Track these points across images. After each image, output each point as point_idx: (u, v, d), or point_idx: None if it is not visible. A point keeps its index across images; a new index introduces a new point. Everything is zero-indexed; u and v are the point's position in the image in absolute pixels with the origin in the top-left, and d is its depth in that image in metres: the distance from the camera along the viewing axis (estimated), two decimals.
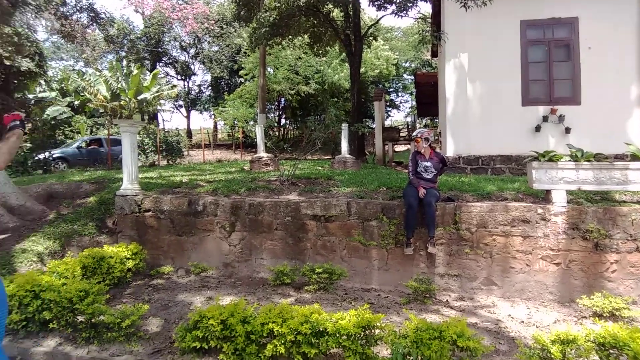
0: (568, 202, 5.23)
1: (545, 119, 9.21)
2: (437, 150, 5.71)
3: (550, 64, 9.30)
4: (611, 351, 3.16)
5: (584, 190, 5.30)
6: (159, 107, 24.47)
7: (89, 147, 16.91)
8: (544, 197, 5.57)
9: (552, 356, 3.16)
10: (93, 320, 3.94)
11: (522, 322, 4.55)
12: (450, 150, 9.64)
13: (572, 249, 5.09)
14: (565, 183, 5.18)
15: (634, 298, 4.83)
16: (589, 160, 5.14)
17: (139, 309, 4.03)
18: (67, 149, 16.40)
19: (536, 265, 5.17)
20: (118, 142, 15.36)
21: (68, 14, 12.58)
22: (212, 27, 27.98)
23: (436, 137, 10.80)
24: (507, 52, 9.36)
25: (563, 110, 9.12)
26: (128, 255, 5.63)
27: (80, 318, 4.04)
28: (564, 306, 4.99)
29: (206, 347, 3.63)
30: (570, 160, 5.19)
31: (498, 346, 3.89)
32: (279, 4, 13.32)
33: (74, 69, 28.25)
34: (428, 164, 5.62)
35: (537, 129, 9.24)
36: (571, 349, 3.18)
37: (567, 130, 9.08)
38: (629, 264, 4.96)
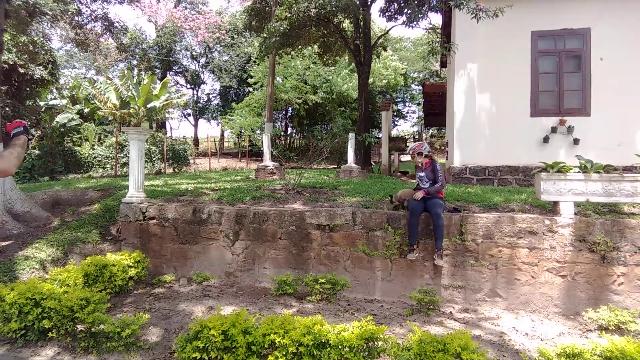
0: (575, 213, 5.15)
1: (553, 130, 9.12)
2: (435, 160, 5.67)
3: (561, 75, 9.23)
4: None
5: (592, 202, 5.22)
6: (167, 115, 24.66)
7: None
8: (552, 208, 5.49)
9: None
10: (93, 330, 3.93)
11: (527, 334, 4.47)
12: (457, 160, 9.58)
13: (579, 261, 5.00)
14: (573, 195, 5.11)
15: None
16: (598, 172, 5.07)
17: (139, 319, 4.01)
18: None
19: (541, 277, 5.09)
20: None
21: (83, 22, 12.79)
22: (223, 37, 28.26)
23: (443, 147, 10.75)
24: (517, 63, 9.31)
25: (572, 122, 9.03)
26: (130, 264, 5.63)
27: (80, 327, 4.03)
28: (569, 319, 4.90)
29: (206, 357, 3.59)
30: (579, 172, 5.13)
31: (502, 359, 3.81)
32: (290, 15, 13.38)
33: (85, 77, 28.64)
34: (422, 174, 5.62)
35: (545, 140, 9.15)
36: None
37: (576, 141, 8.98)
38: (636, 276, 4.86)
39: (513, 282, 5.17)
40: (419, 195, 5.34)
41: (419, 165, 5.70)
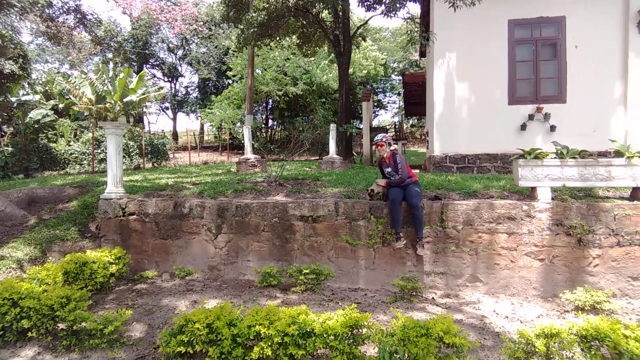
0: (552, 198, 5.28)
1: (530, 117, 9.29)
2: (396, 152, 5.74)
3: (537, 63, 9.39)
4: (593, 343, 3.19)
5: (568, 187, 5.34)
6: (144, 110, 24.21)
7: None
8: (529, 194, 5.61)
9: (537, 350, 3.18)
10: (75, 327, 3.87)
11: (507, 317, 4.58)
12: (437, 149, 9.69)
13: (556, 245, 5.14)
14: (550, 180, 5.22)
15: (614, 291, 4.91)
16: (574, 158, 5.19)
17: (122, 315, 3.96)
18: None
19: (520, 261, 5.21)
20: None
21: (54, 15, 12.40)
22: (201, 29, 27.80)
23: (423, 137, 10.86)
24: (495, 51, 9.43)
25: (548, 109, 9.21)
26: (111, 260, 5.54)
27: (61, 325, 3.96)
28: (547, 301, 5.04)
29: (191, 351, 3.58)
30: (555, 158, 5.24)
31: (483, 342, 3.91)
32: (267, 5, 13.22)
33: (58, 72, 27.85)
34: (389, 169, 5.68)
35: (523, 127, 9.32)
36: (555, 342, 3.20)
37: (552, 128, 9.17)
38: (610, 258, 5.02)
39: (493, 266, 5.28)
40: (382, 183, 5.61)
41: (384, 157, 5.77)
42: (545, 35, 9.37)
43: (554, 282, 5.14)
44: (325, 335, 3.45)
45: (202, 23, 27.71)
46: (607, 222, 5.04)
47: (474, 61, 9.52)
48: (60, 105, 21.00)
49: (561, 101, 9.27)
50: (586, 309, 4.54)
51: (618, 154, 5.25)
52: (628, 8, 8.92)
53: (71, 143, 17.56)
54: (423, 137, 26.73)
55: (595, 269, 5.06)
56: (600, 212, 5.07)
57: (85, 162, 16.59)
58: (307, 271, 5.20)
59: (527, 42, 9.44)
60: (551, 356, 3.18)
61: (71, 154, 16.54)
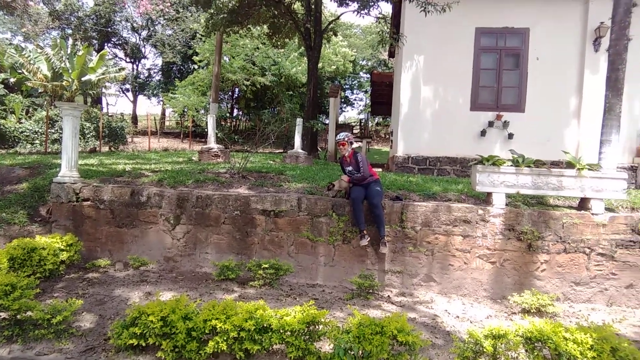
0: (506, 204, 5.49)
1: (490, 124, 9.62)
2: (357, 152, 5.78)
3: (500, 72, 9.72)
4: (536, 344, 3.36)
5: (522, 194, 5.57)
6: (103, 90, 23.23)
7: None
8: (485, 199, 5.81)
9: (485, 350, 3.32)
10: (19, 317, 3.69)
11: (458, 317, 4.75)
12: (400, 150, 9.87)
13: (507, 249, 5.36)
14: (505, 187, 5.43)
15: (558, 295, 5.18)
16: (529, 166, 5.42)
17: (72, 304, 3.82)
18: None
19: (473, 263, 5.41)
20: None
21: None
22: (167, 10, 26.91)
23: (388, 136, 11.01)
24: (461, 57, 9.68)
25: (508, 117, 9.56)
26: (62, 247, 5.32)
27: (3, 315, 3.76)
28: (497, 302, 5.26)
29: (144, 344, 3.51)
30: (511, 165, 5.45)
31: (435, 340, 4.03)
32: None
33: (11, 43, 26.23)
34: (350, 168, 5.70)
35: (483, 133, 9.64)
36: (501, 343, 3.35)
37: (510, 136, 9.53)
38: (556, 263, 5.30)
39: (447, 267, 5.45)
40: (345, 179, 5.67)
41: (345, 156, 5.77)
42: (509, 45, 9.70)
43: (503, 285, 5.37)
44: (282, 331, 3.47)
45: (169, 4, 26.80)
46: (555, 229, 5.31)
47: (441, 66, 9.74)
48: (12, 80, 19.80)
49: (520, 110, 9.64)
50: (532, 311, 4.78)
51: (569, 165, 5.53)
52: (586, 26, 9.37)
53: (22, 120, 16.62)
54: (388, 136, 27.12)
55: (542, 273, 5.32)
56: (550, 219, 5.33)
57: (37, 141, 15.75)
58: (266, 266, 5.19)
59: (492, 51, 9.74)
60: (498, 356, 3.33)
61: (22, 132, 15.66)
